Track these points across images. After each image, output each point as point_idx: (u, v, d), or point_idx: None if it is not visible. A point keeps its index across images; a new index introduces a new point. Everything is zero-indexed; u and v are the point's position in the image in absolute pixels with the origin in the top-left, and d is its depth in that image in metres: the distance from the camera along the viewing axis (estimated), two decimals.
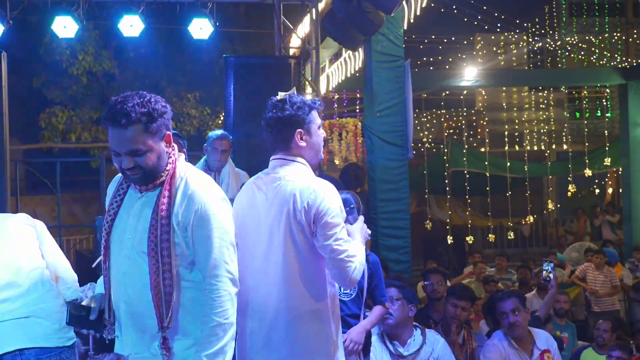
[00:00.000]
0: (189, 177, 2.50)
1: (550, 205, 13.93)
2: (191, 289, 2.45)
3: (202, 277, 2.43)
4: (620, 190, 13.55)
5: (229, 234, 2.49)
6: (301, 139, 2.71)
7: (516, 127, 17.32)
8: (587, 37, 17.45)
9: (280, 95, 2.79)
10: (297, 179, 2.66)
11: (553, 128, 17.03)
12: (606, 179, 16.90)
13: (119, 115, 2.35)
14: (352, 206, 3.00)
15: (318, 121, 2.78)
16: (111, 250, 2.53)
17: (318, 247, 2.64)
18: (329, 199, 2.64)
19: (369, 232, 2.98)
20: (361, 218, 2.97)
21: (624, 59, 17.40)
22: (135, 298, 2.45)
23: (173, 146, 2.52)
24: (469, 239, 12.33)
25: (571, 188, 12.86)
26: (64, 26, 7.01)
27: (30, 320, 3.12)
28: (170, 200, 2.43)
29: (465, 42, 17.05)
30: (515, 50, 17.83)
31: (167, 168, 2.47)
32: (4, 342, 3.06)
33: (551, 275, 5.28)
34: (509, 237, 12.80)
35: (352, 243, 2.71)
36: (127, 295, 2.47)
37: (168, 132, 2.47)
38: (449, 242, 12.50)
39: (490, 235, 12.97)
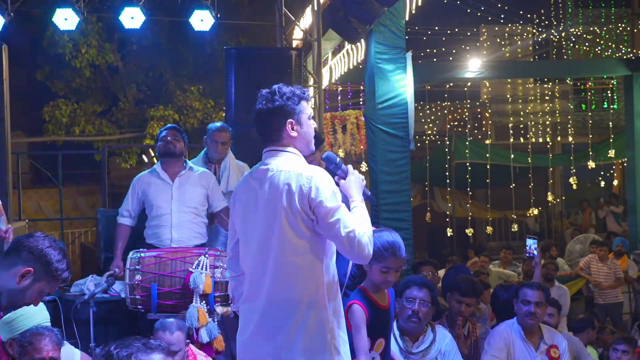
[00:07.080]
0: None
1: (550, 198, 13.86)
2: None
3: None
4: (625, 182, 13.49)
5: None
6: (292, 129, 2.72)
7: (521, 119, 17.24)
8: (592, 29, 17.32)
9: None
10: (290, 167, 2.67)
11: (558, 120, 16.93)
12: (612, 171, 16.83)
13: None
14: (337, 161, 2.92)
15: (308, 111, 2.79)
16: None
17: (323, 232, 2.63)
18: (323, 183, 2.64)
19: (362, 177, 2.90)
20: (350, 168, 2.87)
21: (629, 50, 17.27)
22: None
23: None
24: (469, 231, 12.34)
25: (572, 180, 12.82)
26: (65, 18, 6.97)
27: None
28: None
29: (469, 34, 16.93)
30: (520, 42, 17.71)
31: None
32: None
33: (535, 252, 5.29)
34: (512, 230, 12.77)
35: (355, 216, 2.69)
36: None
37: None
38: (449, 234, 12.52)
39: (488, 227, 12.94)
